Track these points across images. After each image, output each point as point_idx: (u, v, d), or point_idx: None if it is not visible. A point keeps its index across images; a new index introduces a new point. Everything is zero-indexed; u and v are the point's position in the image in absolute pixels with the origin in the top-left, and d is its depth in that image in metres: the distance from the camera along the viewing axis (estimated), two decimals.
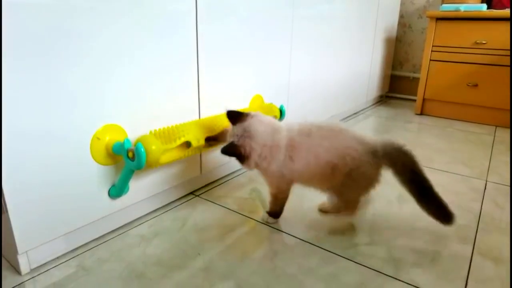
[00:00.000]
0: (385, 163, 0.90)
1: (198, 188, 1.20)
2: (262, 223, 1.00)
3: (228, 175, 1.32)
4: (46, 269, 0.80)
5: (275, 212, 1.00)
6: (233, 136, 0.87)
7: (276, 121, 0.93)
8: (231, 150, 0.85)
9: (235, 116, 0.88)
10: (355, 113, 2.36)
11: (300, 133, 0.90)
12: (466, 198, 1.18)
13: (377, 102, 2.75)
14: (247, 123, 0.87)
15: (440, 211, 0.92)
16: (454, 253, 0.89)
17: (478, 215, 1.08)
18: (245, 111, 0.90)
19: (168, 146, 0.85)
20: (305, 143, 0.89)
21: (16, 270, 0.79)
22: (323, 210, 1.02)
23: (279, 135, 0.88)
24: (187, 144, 0.94)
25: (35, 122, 0.71)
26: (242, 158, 0.86)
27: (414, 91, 2.80)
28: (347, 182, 0.89)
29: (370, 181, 0.91)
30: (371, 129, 2.01)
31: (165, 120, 0.97)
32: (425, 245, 0.92)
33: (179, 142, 0.88)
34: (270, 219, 1.00)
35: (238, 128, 0.87)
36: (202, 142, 0.95)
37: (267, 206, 1.02)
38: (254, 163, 0.87)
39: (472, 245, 0.93)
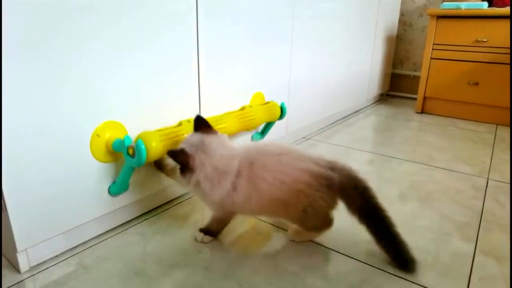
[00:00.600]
0: (340, 195, 0.81)
1: None
2: (263, 221, 1.00)
3: None
4: (45, 267, 0.80)
5: (211, 231, 0.89)
6: (186, 143, 0.80)
7: (235, 147, 0.84)
8: (179, 157, 0.77)
9: (201, 124, 0.82)
10: (355, 112, 2.35)
11: (246, 161, 0.80)
12: (467, 196, 1.18)
13: (377, 101, 2.74)
14: (209, 137, 0.81)
15: (398, 255, 0.81)
16: (456, 251, 0.89)
17: (480, 213, 1.07)
18: (213, 127, 0.84)
19: (166, 140, 0.85)
20: (249, 174, 0.79)
21: (16, 268, 0.78)
22: (295, 240, 0.90)
23: (232, 162, 0.79)
24: None
25: (35, 119, 0.70)
26: (186, 169, 0.78)
27: (414, 89, 2.80)
28: (303, 216, 0.82)
29: (328, 209, 0.83)
30: (372, 127, 2.01)
31: (165, 118, 0.97)
32: (427, 243, 0.92)
33: (179, 139, 0.87)
34: (206, 238, 0.88)
35: (196, 137, 0.81)
36: None
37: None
38: (195, 181, 0.79)
39: (475, 243, 0.92)
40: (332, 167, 0.80)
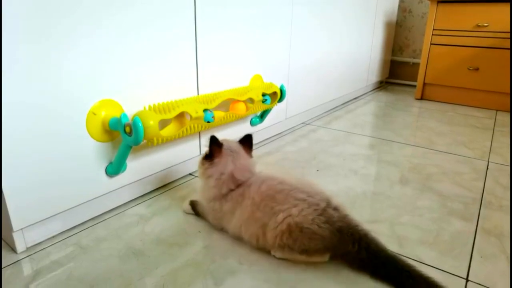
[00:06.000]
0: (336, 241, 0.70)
1: (197, 169, 1.18)
2: None
3: None
4: (42, 248, 0.78)
5: (196, 210, 0.90)
6: (227, 142, 0.84)
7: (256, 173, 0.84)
8: (213, 146, 0.82)
9: (247, 141, 0.87)
10: (355, 98, 2.33)
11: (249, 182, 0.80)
12: (468, 178, 1.17)
13: (377, 88, 2.72)
14: (244, 154, 0.84)
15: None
16: (457, 230, 0.88)
17: (481, 194, 1.06)
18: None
19: (164, 116, 0.83)
20: (243, 191, 0.79)
21: (12, 248, 0.77)
22: (276, 255, 0.76)
23: (244, 176, 0.81)
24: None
25: (30, 98, 0.68)
26: (209, 160, 0.82)
27: (414, 77, 2.78)
28: (289, 237, 0.70)
29: (322, 236, 0.69)
30: (372, 113, 1.99)
31: (162, 97, 0.95)
32: (428, 222, 0.91)
33: (178, 110, 0.86)
34: (188, 209, 0.92)
35: (237, 146, 0.85)
36: (201, 113, 0.92)
37: None
38: (209, 174, 0.82)
39: (476, 222, 0.92)
40: (330, 203, 0.73)
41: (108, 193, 0.89)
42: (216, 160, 0.82)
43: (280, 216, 0.71)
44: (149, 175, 0.99)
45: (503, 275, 0.73)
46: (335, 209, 0.73)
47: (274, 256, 0.75)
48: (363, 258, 0.69)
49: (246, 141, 0.87)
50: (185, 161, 1.10)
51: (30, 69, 0.68)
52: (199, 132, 1.11)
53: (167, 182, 1.08)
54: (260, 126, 1.38)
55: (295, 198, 0.73)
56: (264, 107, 1.22)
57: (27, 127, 0.69)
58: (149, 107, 0.85)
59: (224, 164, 0.81)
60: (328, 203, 0.73)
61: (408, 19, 2.74)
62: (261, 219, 0.74)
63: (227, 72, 1.16)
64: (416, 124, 1.80)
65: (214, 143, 0.81)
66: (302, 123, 1.76)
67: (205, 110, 0.94)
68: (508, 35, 1.98)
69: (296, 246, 0.71)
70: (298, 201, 0.72)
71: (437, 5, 2.14)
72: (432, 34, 2.20)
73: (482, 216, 0.94)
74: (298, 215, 0.70)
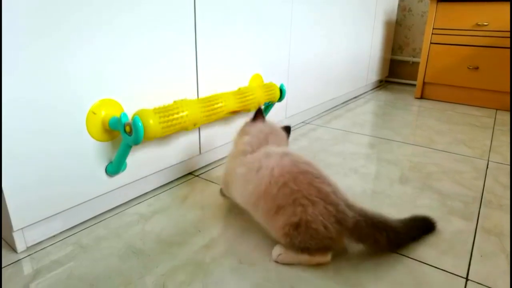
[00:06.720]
0: (353, 237, 0.72)
1: (197, 168, 1.18)
2: None
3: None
4: (43, 247, 0.78)
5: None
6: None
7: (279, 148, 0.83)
8: (259, 112, 0.95)
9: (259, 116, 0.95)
10: (354, 98, 2.33)
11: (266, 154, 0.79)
12: (468, 177, 1.17)
13: (376, 87, 2.72)
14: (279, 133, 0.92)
15: (422, 226, 0.85)
16: (458, 229, 0.88)
17: (481, 193, 1.06)
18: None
19: (165, 118, 0.83)
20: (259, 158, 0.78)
21: (12, 248, 0.77)
22: (278, 260, 0.75)
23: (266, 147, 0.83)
24: None
25: (30, 97, 0.68)
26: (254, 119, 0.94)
27: (414, 76, 2.78)
28: (294, 232, 0.71)
29: (326, 238, 0.70)
30: (372, 112, 1.99)
31: (163, 97, 0.95)
32: None
33: (176, 116, 0.86)
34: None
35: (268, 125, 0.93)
36: (199, 126, 0.92)
37: None
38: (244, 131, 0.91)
39: (476, 221, 0.92)
40: (350, 205, 0.72)
41: (108, 192, 0.89)
42: (257, 122, 0.92)
43: (298, 209, 0.70)
44: (149, 174, 0.99)
45: (503, 274, 0.73)
46: (350, 206, 0.72)
47: (276, 262, 0.75)
48: (391, 239, 0.73)
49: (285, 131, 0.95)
50: (185, 160, 1.10)
51: (30, 68, 0.67)
52: (199, 131, 1.11)
53: (167, 182, 1.08)
54: None
55: (319, 190, 0.71)
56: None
57: (27, 127, 0.69)
58: (154, 109, 0.85)
59: (262, 129, 0.90)
60: (346, 203, 0.72)
61: (408, 18, 2.74)
62: (277, 198, 0.72)
63: (227, 72, 1.16)
64: (416, 123, 1.80)
65: (260, 113, 0.94)
66: (302, 122, 1.76)
67: None
68: (508, 34, 1.98)
69: (297, 240, 0.70)
70: (319, 195, 0.70)
71: (437, 4, 2.14)
72: (432, 33, 2.20)
73: (482, 215, 0.94)
74: (312, 214, 0.69)
